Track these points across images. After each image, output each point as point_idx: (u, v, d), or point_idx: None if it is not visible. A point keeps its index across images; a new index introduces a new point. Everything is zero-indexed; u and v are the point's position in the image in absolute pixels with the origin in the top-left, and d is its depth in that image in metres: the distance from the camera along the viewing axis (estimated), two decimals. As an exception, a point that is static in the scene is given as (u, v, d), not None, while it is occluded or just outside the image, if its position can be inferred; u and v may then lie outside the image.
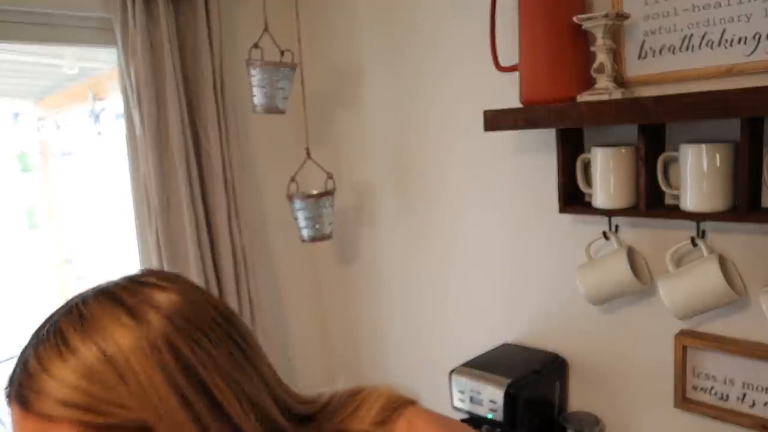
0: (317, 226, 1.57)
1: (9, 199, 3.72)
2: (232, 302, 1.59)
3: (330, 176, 1.61)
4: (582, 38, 1.09)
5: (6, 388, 0.52)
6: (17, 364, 0.52)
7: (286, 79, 1.51)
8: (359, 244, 1.75)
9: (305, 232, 1.58)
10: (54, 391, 0.48)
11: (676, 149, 1.03)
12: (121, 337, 0.49)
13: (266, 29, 1.51)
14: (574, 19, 1.05)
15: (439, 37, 1.44)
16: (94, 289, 0.55)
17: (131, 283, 0.55)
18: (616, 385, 1.24)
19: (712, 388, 1.09)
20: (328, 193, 1.58)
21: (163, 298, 0.53)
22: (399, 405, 0.61)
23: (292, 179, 1.59)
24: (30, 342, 0.52)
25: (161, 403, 0.49)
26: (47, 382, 0.49)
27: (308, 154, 1.63)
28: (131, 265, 1.74)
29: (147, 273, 0.57)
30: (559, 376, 1.29)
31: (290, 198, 1.58)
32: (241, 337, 0.56)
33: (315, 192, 1.58)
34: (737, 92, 0.87)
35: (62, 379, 0.48)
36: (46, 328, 0.52)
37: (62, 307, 0.54)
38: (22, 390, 0.50)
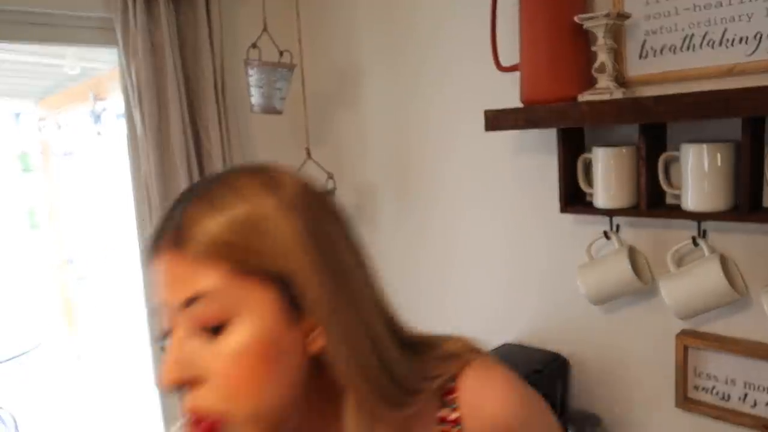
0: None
1: (10, 199, 3.72)
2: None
3: (330, 176, 1.61)
4: (583, 38, 1.09)
5: (153, 240, 0.56)
6: (166, 220, 0.56)
7: (283, 80, 1.51)
8: (360, 243, 1.75)
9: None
10: (205, 237, 0.53)
11: (677, 149, 1.03)
12: (262, 200, 0.55)
13: (265, 29, 1.51)
14: (575, 18, 1.05)
15: (439, 37, 1.44)
16: (224, 169, 0.61)
17: (259, 167, 0.60)
18: (617, 384, 1.24)
19: (713, 388, 1.09)
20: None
21: (291, 177, 0.59)
22: (477, 349, 0.69)
23: (293, 179, 1.59)
24: (174, 206, 0.57)
25: (296, 260, 0.54)
26: (199, 229, 0.53)
27: (308, 154, 1.63)
28: (132, 266, 1.74)
29: (268, 163, 0.62)
30: (560, 376, 1.29)
31: (291, 198, 1.57)
32: (353, 230, 0.62)
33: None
34: (738, 92, 0.87)
35: (212, 228, 0.53)
36: (188, 194, 0.57)
37: (200, 181, 0.60)
38: (174, 237, 0.54)
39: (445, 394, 0.64)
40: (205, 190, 0.56)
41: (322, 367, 0.57)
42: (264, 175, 0.57)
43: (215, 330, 0.52)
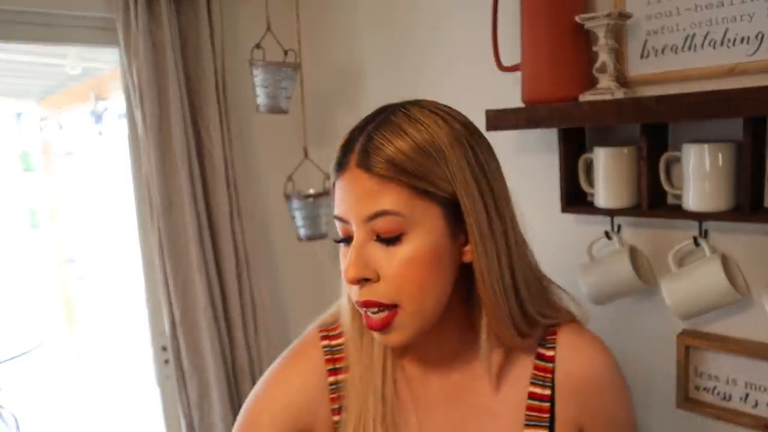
0: (314, 226, 1.58)
1: (11, 198, 3.73)
2: (234, 302, 1.59)
3: (328, 177, 1.60)
4: (584, 38, 1.09)
5: (340, 159, 0.65)
6: (350, 143, 0.65)
7: (288, 79, 1.51)
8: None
9: (302, 231, 1.59)
10: (390, 161, 0.61)
11: (679, 149, 1.03)
12: (438, 130, 0.64)
13: (269, 29, 1.51)
14: (577, 18, 1.05)
15: (439, 37, 1.44)
16: (393, 104, 0.70)
17: (424, 102, 0.70)
18: (618, 385, 1.24)
19: (714, 388, 1.09)
20: (325, 193, 1.59)
21: (456, 114, 0.69)
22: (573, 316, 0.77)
23: (289, 178, 1.60)
24: (355, 132, 0.66)
25: (465, 185, 0.63)
26: (384, 154, 0.62)
27: (306, 153, 1.63)
28: (133, 266, 1.74)
29: (429, 100, 0.71)
30: (560, 376, 1.29)
31: (287, 197, 1.58)
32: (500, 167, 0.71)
33: (312, 192, 1.59)
34: (739, 92, 0.87)
35: (399, 149, 0.62)
36: (366, 124, 0.66)
37: (375, 113, 0.68)
38: (362, 158, 0.63)
39: (546, 335, 0.74)
40: (384, 120, 0.65)
41: (467, 280, 0.68)
42: (435, 113, 0.66)
43: (391, 240, 0.62)
